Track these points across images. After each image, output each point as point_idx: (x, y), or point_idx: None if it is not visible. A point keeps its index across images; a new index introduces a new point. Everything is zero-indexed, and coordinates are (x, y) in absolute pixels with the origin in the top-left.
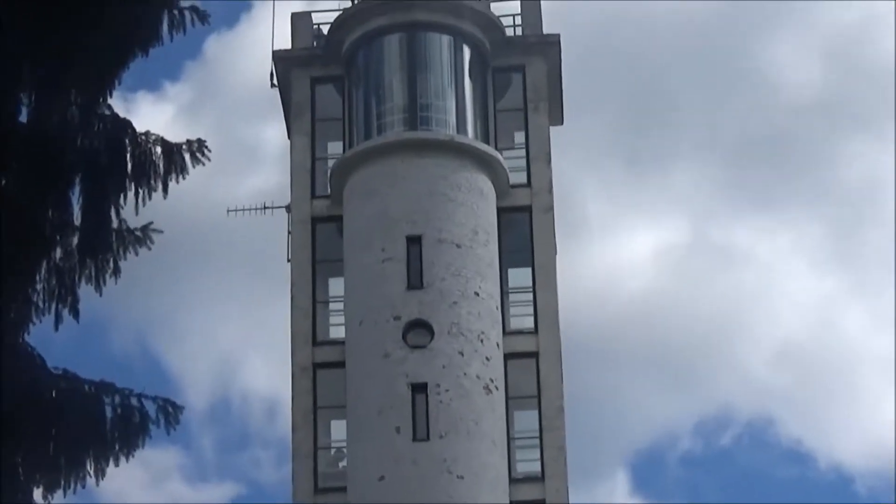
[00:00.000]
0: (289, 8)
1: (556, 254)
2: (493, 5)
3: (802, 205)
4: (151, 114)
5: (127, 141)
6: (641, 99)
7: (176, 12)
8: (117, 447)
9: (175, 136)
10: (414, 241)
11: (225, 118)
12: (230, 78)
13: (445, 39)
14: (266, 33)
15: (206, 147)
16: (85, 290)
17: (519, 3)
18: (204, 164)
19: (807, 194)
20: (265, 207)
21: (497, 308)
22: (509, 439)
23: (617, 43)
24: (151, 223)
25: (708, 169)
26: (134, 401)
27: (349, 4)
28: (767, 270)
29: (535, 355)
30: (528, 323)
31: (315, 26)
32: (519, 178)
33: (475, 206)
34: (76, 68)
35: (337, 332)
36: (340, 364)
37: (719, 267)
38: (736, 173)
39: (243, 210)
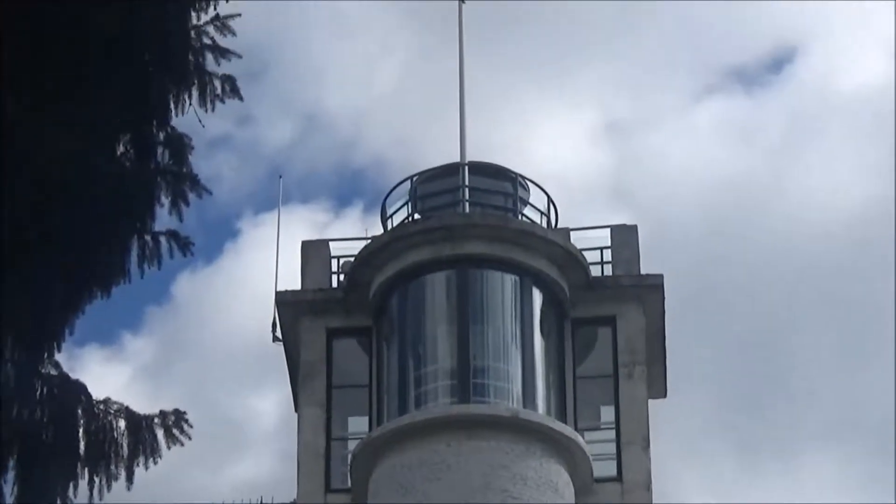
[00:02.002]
0: (297, 234)
1: None
2: (573, 234)
3: None
4: (103, 375)
5: (80, 411)
6: (756, 362)
7: (148, 238)
8: None
9: (138, 403)
10: None
11: (205, 382)
12: (211, 328)
13: (509, 280)
14: (260, 269)
15: (187, 421)
16: None
17: (608, 231)
18: (183, 444)
19: None
20: None
21: None
22: None
23: (724, 287)
24: None
25: (842, 457)
26: None
27: (379, 231)
28: None
29: None
30: None
31: (334, 260)
32: (606, 468)
33: None
34: (14, 312)
35: None
36: None
37: None
38: (880, 464)
39: None
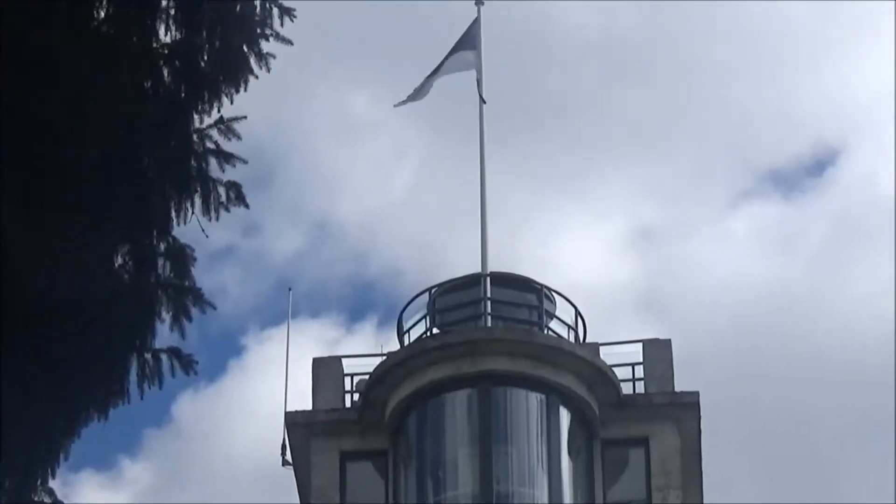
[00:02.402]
0: (307, 350)
1: None
2: (603, 349)
3: None
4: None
5: None
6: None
7: (148, 356)
8: None
9: None
10: None
11: None
12: (215, 452)
13: (534, 398)
14: (268, 388)
15: None
16: None
17: (640, 346)
18: None
19: None
20: None
21: None
22: None
23: (762, 403)
24: None
25: None
26: None
27: (395, 347)
28: None
29: None
30: None
31: (347, 378)
32: None
33: None
34: (6, 436)
35: None
36: None
37: None
38: None
39: None
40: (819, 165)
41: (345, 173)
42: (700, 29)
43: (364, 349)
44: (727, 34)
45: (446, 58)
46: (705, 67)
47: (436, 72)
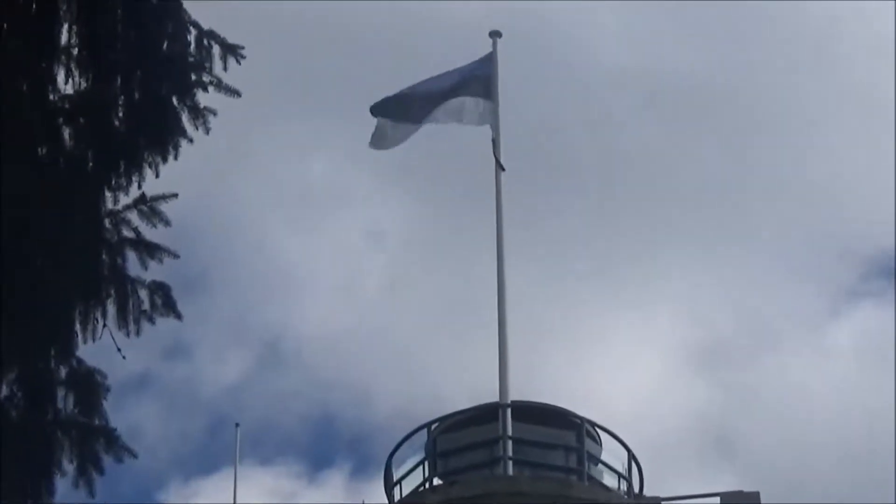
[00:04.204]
0: None
1: None
2: None
3: None
4: None
5: None
6: None
7: None
8: None
9: None
10: None
11: None
12: None
13: None
14: None
15: None
16: None
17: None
18: None
19: None
20: None
21: None
22: None
23: None
24: None
25: None
26: None
27: None
28: None
29: None
30: None
31: None
32: None
33: None
34: None
35: None
36: None
37: None
38: None
39: None
40: None
41: (304, 270)
42: (777, 63)
43: None
44: (819, 72)
45: (442, 86)
46: (789, 115)
47: (423, 105)
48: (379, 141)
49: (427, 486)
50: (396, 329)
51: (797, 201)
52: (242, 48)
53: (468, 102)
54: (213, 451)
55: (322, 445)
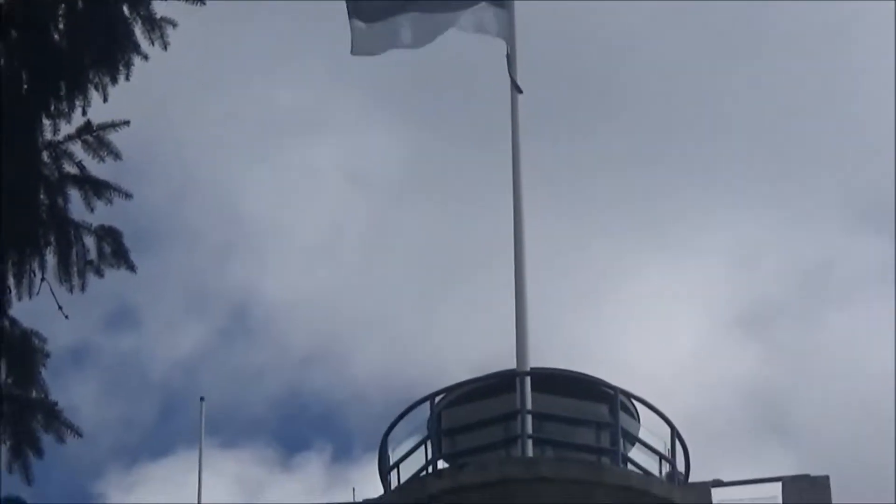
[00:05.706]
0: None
1: None
2: (716, 493)
3: None
4: None
5: None
6: None
7: None
8: None
9: None
10: None
11: None
12: None
13: None
14: None
15: None
16: None
17: (779, 486)
18: None
19: None
20: None
21: None
22: None
23: None
24: None
25: None
26: None
27: (374, 492)
28: None
29: None
30: None
31: None
32: None
33: None
34: None
35: None
36: None
37: None
38: None
39: None
40: None
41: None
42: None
43: (312, 496)
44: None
45: None
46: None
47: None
48: (362, 44)
49: (430, 470)
50: (383, 290)
51: (864, 139)
52: None
53: (478, 10)
54: (171, 431)
55: (297, 426)
